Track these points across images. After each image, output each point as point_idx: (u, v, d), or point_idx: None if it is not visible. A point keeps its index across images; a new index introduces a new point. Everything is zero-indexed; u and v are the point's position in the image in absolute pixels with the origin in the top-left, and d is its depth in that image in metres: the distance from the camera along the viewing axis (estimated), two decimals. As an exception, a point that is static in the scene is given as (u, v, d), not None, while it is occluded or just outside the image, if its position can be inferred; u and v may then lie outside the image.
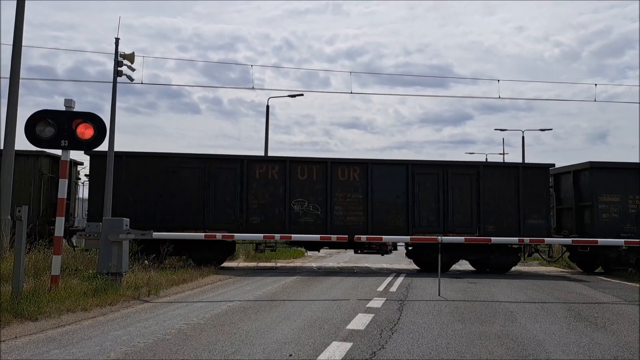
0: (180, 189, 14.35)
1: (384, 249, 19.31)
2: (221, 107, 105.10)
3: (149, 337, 5.43)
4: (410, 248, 15.53)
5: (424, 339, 5.50)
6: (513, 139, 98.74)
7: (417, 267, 15.41)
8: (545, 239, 14.03)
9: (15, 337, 5.42)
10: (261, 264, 16.92)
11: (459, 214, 14.89)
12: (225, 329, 5.90)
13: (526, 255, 16.02)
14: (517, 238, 14.02)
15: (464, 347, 5.17)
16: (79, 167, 16.45)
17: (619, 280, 13.43)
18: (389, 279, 12.16)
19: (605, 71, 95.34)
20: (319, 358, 4.64)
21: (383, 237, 14.39)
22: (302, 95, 26.95)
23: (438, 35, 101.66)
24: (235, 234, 13.55)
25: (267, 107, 25.02)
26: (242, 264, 16.84)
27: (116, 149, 15.02)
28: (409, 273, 14.07)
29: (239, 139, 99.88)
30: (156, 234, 9.86)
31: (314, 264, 17.38)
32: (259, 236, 13.48)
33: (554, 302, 8.81)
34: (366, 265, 17.28)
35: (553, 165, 15.75)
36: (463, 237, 13.72)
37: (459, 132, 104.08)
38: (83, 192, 16.69)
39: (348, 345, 5.12)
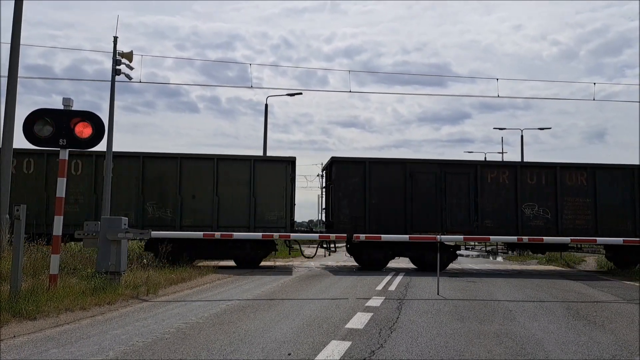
0: (418, 193, 14.92)
1: None
2: (219, 105, 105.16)
3: (147, 336, 5.42)
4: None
5: (423, 338, 5.50)
6: (511, 137, 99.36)
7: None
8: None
9: (14, 336, 5.41)
10: (260, 263, 16.90)
11: None
12: (224, 328, 5.89)
13: None
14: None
15: (463, 346, 5.17)
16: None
17: (618, 279, 13.45)
18: (388, 277, 12.16)
19: (603, 70, 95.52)
20: (317, 357, 4.63)
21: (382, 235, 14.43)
22: (300, 94, 27.00)
23: (436, 34, 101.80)
24: (235, 233, 13.58)
25: (266, 105, 25.01)
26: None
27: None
28: (407, 272, 14.08)
29: (237, 138, 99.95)
30: (155, 233, 9.84)
31: (312, 263, 17.37)
32: (258, 235, 13.56)
33: (553, 300, 8.82)
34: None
35: None
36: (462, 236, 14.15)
37: (458, 131, 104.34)
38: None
39: (347, 344, 5.12)
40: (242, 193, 14.63)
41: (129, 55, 16.50)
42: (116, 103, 16.49)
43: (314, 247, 16.43)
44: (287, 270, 14.12)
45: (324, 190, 17.42)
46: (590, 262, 18.92)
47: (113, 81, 16.35)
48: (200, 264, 14.99)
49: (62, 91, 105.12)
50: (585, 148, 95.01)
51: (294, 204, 15.64)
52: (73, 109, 8.01)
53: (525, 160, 28.24)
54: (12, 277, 7.12)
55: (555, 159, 64.50)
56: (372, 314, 6.93)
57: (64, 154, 8.08)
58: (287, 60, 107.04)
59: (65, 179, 8.15)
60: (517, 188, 15.04)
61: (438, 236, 11.07)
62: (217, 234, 13.35)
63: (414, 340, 5.37)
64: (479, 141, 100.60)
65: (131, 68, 16.78)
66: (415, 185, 14.93)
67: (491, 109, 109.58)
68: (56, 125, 7.80)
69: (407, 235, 13.77)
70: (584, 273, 15.48)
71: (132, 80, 17.05)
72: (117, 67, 16.35)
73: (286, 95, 25.81)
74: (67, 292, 7.44)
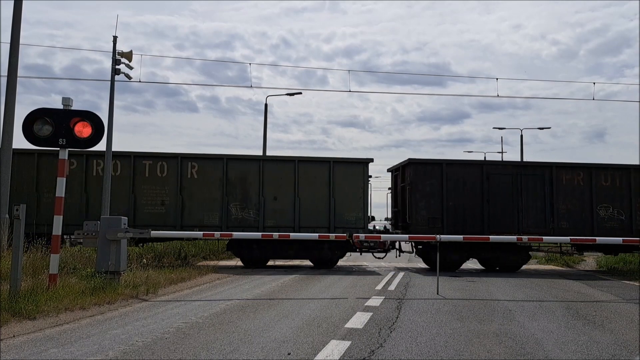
0: (495, 195, 15.04)
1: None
2: (219, 105, 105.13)
3: (147, 336, 5.42)
4: None
5: (423, 338, 5.50)
6: (511, 137, 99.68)
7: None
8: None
9: (14, 335, 5.41)
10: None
11: None
12: (223, 328, 5.89)
13: None
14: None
15: (463, 346, 5.17)
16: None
17: (617, 278, 13.46)
18: (388, 277, 12.16)
19: (603, 70, 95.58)
20: (317, 357, 4.63)
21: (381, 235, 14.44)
22: (300, 93, 27.03)
23: (435, 34, 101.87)
24: (235, 233, 13.53)
25: (266, 105, 24.98)
26: (241, 263, 16.81)
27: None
28: (407, 272, 14.07)
29: (237, 138, 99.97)
30: (155, 233, 9.83)
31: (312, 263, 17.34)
32: (257, 235, 13.49)
33: (552, 300, 8.82)
34: (364, 263, 17.27)
35: None
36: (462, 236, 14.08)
37: (457, 131, 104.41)
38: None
39: (346, 343, 5.12)
40: (321, 194, 14.85)
41: (128, 55, 16.48)
42: (116, 102, 16.51)
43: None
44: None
45: (390, 190, 17.56)
46: (590, 261, 18.92)
47: (112, 81, 16.34)
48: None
49: (61, 91, 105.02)
50: (585, 148, 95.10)
51: (370, 205, 15.79)
52: (72, 108, 8.00)
53: (525, 160, 28.29)
54: (11, 276, 7.11)
55: (555, 158, 64.64)
56: (372, 313, 6.93)
57: (64, 154, 8.05)
58: (287, 60, 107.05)
59: (64, 179, 8.11)
60: (591, 189, 15.16)
61: (438, 236, 11.09)
62: (217, 234, 13.36)
63: (413, 340, 5.38)
64: (478, 141, 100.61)
65: (130, 67, 16.77)
66: (491, 187, 15.05)
67: (491, 108, 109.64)
68: (56, 124, 7.79)
69: (407, 235, 13.75)
70: (584, 273, 15.47)
71: (131, 79, 17.04)
72: (117, 66, 16.34)
73: (286, 94, 25.90)
74: (67, 292, 7.43)
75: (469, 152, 69.90)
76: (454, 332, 5.82)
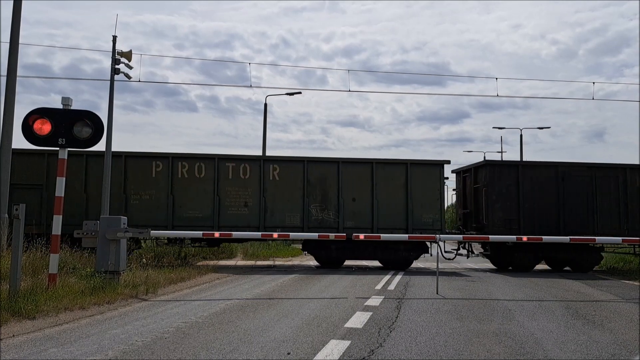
0: (570, 196, 15.17)
1: None
2: (218, 105, 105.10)
3: (147, 336, 5.42)
4: None
5: (422, 337, 5.50)
6: (511, 137, 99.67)
7: None
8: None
9: (13, 335, 5.41)
10: (259, 263, 16.91)
11: None
12: (223, 328, 5.89)
13: None
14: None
15: (462, 345, 5.17)
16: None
17: (617, 278, 13.46)
18: (387, 277, 12.16)
19: (602, 69, 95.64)
20: (317, 357, 4.63)
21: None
22: (299, 93, 27.04)
23: (435, 33, 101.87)
24: (234, 233, 13.50)
25: (265, 105, 24.98)
26: (240, 263, 16.83)
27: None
28: (406, 271, 14.08)
29: (237, 137, 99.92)
30: (155, 232, 9.83)
31: (312, 262, 17.35)
32: (257, 234, 13.51)
33: (552, 300, 8.82)
34: (364, 263, 17.28)
35: None
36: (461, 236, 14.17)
37: (457, 130, 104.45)
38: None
39: (346, 343, 5.12)
40: (398, 196, 14.95)
41: (128, 54, 16.46)
42: (115, 102, 16.48)
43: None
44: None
45: (455, 192, 17.74)
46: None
47: (112, 80, 16.32)
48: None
49: (60, 90, 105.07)
50: (585, 147, 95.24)
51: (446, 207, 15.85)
52: (72, 108, 7.99)
53: (525, 160, 28.28)
54: (11, 276, 7.11)
55: (555, 158, 64.64)
56: (372, 313, 6.93)
57: (63, 154, 8.04)
58: (286, 60, 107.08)
59: (64, 179, 8.10)
60: None
61: (437, 236, 11.12)
62: (217, 234, 13.39)
63: (413, 340, 5.38)
64: (478, 140, 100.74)
65: (130, 67, 16.75)
66: (566, 188, 15.15)
67: (490, 108, 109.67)
68: (55, 124, 7.78)
69: (409, 235, 13.77)
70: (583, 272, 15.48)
71: (131, 79, 17.03)
72: (116, 66, 16.32)
73: (285, 94, 25.91)
74: (67, 292, 7.43)
75: (468, 151, 69.78)
76: (453, 332, 5.82)
